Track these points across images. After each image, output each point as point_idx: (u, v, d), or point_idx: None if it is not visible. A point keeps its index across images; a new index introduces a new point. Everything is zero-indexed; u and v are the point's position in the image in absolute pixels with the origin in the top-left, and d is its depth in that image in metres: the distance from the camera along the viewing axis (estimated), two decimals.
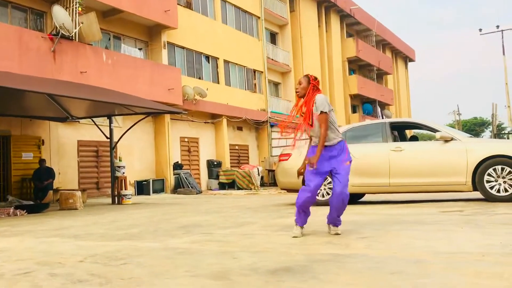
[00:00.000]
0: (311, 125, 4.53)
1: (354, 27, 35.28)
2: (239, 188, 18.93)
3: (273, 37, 27.09)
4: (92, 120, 13.38)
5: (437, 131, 7.95)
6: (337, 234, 4.52)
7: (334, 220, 4.60)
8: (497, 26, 35.61)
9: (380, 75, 38.82)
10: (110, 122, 13.13)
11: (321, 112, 4.42)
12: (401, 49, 42.76)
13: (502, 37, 35.30)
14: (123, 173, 12.98)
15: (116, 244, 4.49)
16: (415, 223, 5.21)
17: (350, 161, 4.59)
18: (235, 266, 3.14)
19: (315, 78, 4.64)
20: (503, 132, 47.60)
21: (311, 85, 4.59)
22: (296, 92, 4.66)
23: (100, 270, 3.20)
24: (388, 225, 5.09)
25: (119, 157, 13.70)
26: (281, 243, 4.11)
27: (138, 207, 10.85)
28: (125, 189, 12.89)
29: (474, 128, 69.85)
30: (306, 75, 4.70)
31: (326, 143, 4.48)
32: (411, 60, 46.70)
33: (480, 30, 36.32)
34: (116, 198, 12.54)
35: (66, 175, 14.73)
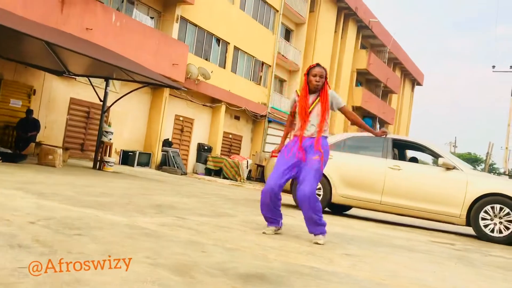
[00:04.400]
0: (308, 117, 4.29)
1: (370, 40, 34.87)
2: (224, 177, 18.52)
3: (287, 34, 26.62)
4: (89, 80, 12.89)
5: (441, 156, 7.57)
6: (317, 243, 4.14)
7: (310, 226, 4.27)
8: (511, 66, 35.29)
9: (386, 93, 38.48)
10: (107, 85, 12.67)
11: (342, 107, 4.42)
12: (411, 71, 42.39)
13: None
14: (110, 139, 12.53)
15: (79, 211, 4.06)
16: (404, 248, 4.83)
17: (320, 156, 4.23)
18: (202, 262, 2.73)
19: (327, 72, 4.40)
20: (495, 172, 47.50)
21: (326, 79, 4.34)
22: (316, 83, 4.27)
23: (48, 237, 2.78)
24: (376, 246, 4.71)
25: (109, 122, 13.24)
26: (259, 244, 3.71)
27: (117, 176, 10.41)
28: (108, 156, 12.44)
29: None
30: (323, 67, 4.34)
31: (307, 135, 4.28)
32: (419, 84, 46.37)
33: (493, 67, 35.98)
34: (98, 163, 12.10)
35: (52, 130, 14.23)
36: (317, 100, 4.29)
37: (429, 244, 5.64)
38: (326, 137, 4.34)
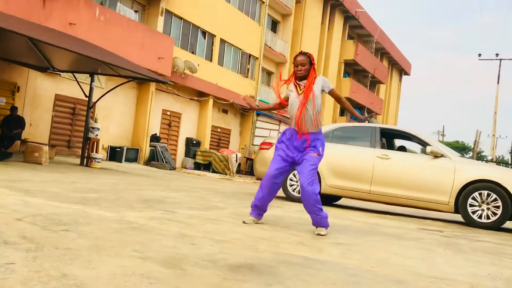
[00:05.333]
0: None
1: (357, 30, 34.90)
2: (214, 171, 18.48)
3: (274, 25, 26.54)
4: (74, 75, 12.74)
5: (428, 145, 7.61)
6: (319, 234, 4.17)
7: (312, 218, 4.31)
8: (497, 54, 35.58)
9: (374, 83, 38.61)
10: (92, 80, 12.54)
11: (332, 89, 4.37)
12: (398, 61, 42.56)
13: (500, 66, 35.27)
14: (97, 135, 12.41)
15: (67, 207, 4.02)
16: (393, 236, 4.85)
17: (319, 154, 4.27)
18: (192, 254, 2.72)
19: (313, 58, 4.35)
20: (482, 159, 48.02)
21: (312, 66, 4.29)
22: (298, 73, 4.26)
23: (35, 233, 2.74)
24: (365, 235, 4.72)
25: (95, 118, 13.13)
26: (249, 235, 3.70)
27: (105, 172, 10.33)
28: (96, 152, 12.32)
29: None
30: (305, 53, 4.31)
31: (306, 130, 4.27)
32: (406, 73, 46.59)
33: (480, 55, 36.24)
34: (85, 159, 11.99)
35: (38, 127, 14.07)
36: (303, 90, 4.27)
37: (418, 231, 5.68)
38: (319, 132, 4.34)
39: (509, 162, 49.12)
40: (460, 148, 73.25)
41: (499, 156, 62.43)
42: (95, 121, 12.77)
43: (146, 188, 7.20)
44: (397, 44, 42.10)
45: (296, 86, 4.33)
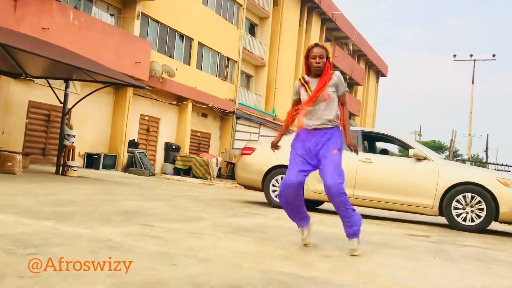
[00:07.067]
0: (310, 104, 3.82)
1: (334, 32, 35.02)
2: (194, 176, 18.22)
3: (252, 28, 26.41)
4: (48, 82, 12.37)
5: (411, 147, 7.54)
6: (353, 255, 3.75)
7: (345, 228, 3.86)
8: (471, 55, 36.12)
9: (351, 85, 38.78)
10: (67, 87, 12.18)
11: (344, 92, 3.92)
12: (375, 62, 42.88)
13: (474, 66, 35.79)
14: (72, 142, 12.05)
15: (37, 225, 3.77)
16: (380, 245, 4.71)
17: (339, 150, 3.85)
18: (172, 278, 2.51)
19: (328, 52, 3.90)
20: (458, 158, 48.67)
21: (328, 60, 3.86)
22: (317, 67, 3.80)
23: None
24: None
25: (71, 125, 12.76)
26: (232, 250, 3.51)
27: (82, 181, 10.02)
28: (72, 160, 11.96)
29: None
30: (322, 46, 3.85)
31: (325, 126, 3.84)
32: (383, 75, 46.97)
33: (455, 56, 36.75)
34: (61, 168, 11.63)
35: (11, 135, 13.62)
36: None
37: (404, 238, 5.57)
38: (338, 127, 3.90)
39: (484, 161, 49.91)
40: (437, 148, 74.16)
41: (474, 155, 63.39)
42: (71, 128, 12.40)
43: (123, 198, 6.94)
44: (374, 46, 42.33)
45: (304, 86, 3.89)
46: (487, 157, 54.93)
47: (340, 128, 3.93)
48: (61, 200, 5.78)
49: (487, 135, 72.82)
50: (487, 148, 57.00)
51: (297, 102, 3.99)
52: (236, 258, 3.24)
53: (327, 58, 3.83)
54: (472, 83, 35.86)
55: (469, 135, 37.01)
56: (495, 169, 22.06)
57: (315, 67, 3.82)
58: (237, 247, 3.67)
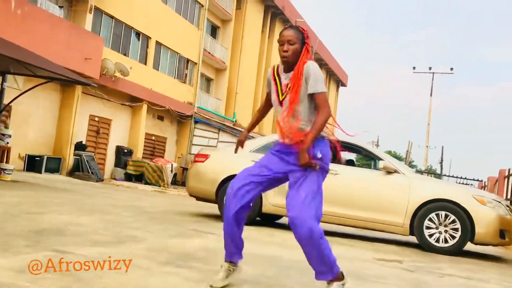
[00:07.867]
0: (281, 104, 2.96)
1: None
2: (147, 183, 17.11)
3: (214, 31, 25.56)
4: None
5: (381, 159, 6.87)
6: None
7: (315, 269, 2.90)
8: (430, 68, 36.53)
9: None
10: (4, 81, 10.96)
11: (320, 92, 2.82)
12: (336, 72, 42.77)
13: (433, 79, 36.21)
14: (7, 143, 10.85)
15: None
16: (351, 276, 3.92)
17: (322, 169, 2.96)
18: None
19: (308, 35, 2.89)
20: (417, 170, 49.19)
21: (305, 47, 2.88)
22: (283, 57, 2.87)
23: None
24: None
25: (7, 123, 11.52)
26: None
27: (13, 187, 8.86)
28: (6, 162, 10.73)
29: None
30: (297, 27, 2.92)
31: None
32: (343, 84, 47.00)
33: (414, 68, 37.07)
34: None
35: None
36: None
37: (375, 264, 4.82)
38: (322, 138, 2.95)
39: (437, 173, 50.71)
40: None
41: (429, 166, 64.56)
42: (6, 127, 11.18)
43: (50, 210, 5.91)
44: (334, 55, 42.30)
45: (275, 80, 2.98)
46: (441, 168, 55.81)
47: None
48: None
49: (442, 147, 74.14)
50: (442, 160, 57.95)
51: (269, 95, 3.09)
52: None
53: (304, 43, 2.88)
54: (430, 95, 36.29)
55: (426, 146, 37.38)
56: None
57: (281, 58, 2.87)
58: (170, 286, 2.79)
